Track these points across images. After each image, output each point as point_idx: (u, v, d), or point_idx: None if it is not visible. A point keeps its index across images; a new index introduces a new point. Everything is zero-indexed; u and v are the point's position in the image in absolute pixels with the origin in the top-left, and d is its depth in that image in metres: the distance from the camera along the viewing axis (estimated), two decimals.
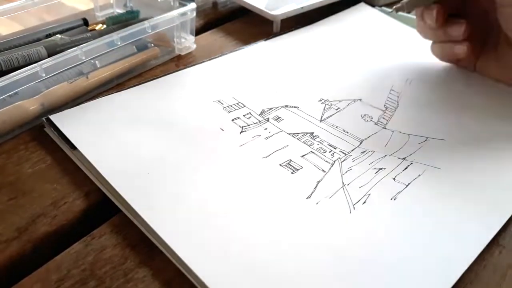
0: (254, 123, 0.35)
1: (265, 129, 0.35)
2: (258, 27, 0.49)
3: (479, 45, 0.39)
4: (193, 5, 0.42)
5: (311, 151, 0.33)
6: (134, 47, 0.41)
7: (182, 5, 0.42)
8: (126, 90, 0.38)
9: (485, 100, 0.39)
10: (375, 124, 0.36)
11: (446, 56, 0.41)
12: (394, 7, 0.38)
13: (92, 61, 0.38)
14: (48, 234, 0.27)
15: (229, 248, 0.26)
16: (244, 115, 0.36)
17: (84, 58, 0.36)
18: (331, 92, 0.39)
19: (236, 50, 0.44)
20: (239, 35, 0.48)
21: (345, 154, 0.33)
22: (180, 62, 0.44)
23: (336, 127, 0.35)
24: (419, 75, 0.42)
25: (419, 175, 0.31)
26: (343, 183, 0.30)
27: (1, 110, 0.33)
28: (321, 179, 0.31)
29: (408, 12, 0.39)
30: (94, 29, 0.42)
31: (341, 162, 0.32)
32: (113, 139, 0.33)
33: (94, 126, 0.34)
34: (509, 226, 0.29)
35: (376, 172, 0.31)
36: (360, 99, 0.39)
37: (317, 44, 0.46)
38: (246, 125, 0.35)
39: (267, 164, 0.31)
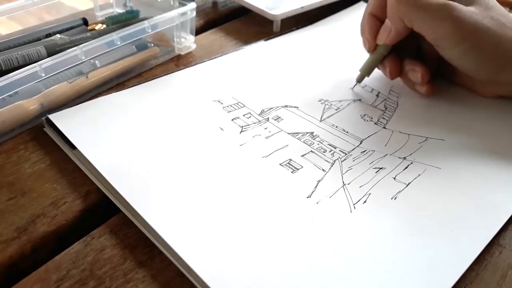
0: (254, 123, 0.35)
1: (265, 128, 0.35)
2: (258, 27, 0.49)
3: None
4: (193, 5, 0.42)
5: (311, 151, 0.33)
6: (134, 47, 0.41)
7: (182, 4, 0.42)
8: (126, 90, 0.38)
9: (485, 99, 0.39)
10: (375, 124, 0.36)
11: (412, 89, 0.40)
12: (356, 79, 0.39)
13: (91, 61, 0.38)
14: (47, 234, 0.27)
15: (230, 247, 0.26)
16: (244, 115, 0.36)
17: (83, 58, 0.36)
18: (331, 92, 0.39)
19: (236, 50, 0.44)
20: (239, 35, 0.48)
21: (345, 154, 0.33)
22: (180, 62, 0.44)
23: (336, 126, 0.35)
24: None
25: (419, 175, 0.31)
26: (343, 182, 0.30)
27: (1, 109, 0.33)
28: (322, 179, 0.30)
29: (368, 76, 0.39)
30: (94, 29, 0.42)
31: (341, 161, 0.32)
32: (113, 138, 0.33)
33: (94, 125, 0.34)
34: (509, 226, 0.29)
35: (377, 172, 0.31)
36: (360, 99, 0.39)
37: (317, 44, 0.46)
38: (246, 124, 0.35)
39: (267, 164, 0.31)
